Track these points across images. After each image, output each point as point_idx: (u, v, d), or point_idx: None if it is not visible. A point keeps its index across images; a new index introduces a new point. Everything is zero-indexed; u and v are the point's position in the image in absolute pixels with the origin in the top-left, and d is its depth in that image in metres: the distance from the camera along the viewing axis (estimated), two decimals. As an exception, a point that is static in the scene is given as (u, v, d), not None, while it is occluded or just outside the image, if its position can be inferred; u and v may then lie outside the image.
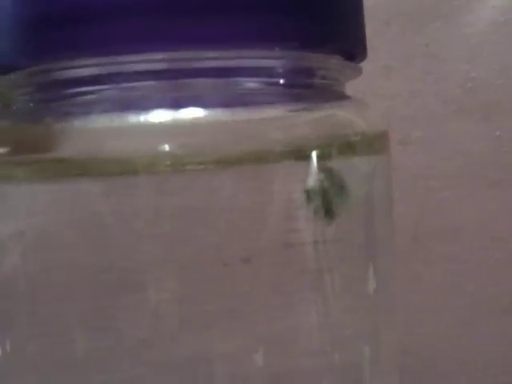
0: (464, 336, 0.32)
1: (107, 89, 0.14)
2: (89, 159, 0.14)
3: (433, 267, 0.32)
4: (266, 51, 0.14)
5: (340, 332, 0.15)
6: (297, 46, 0.14)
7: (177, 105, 0.14)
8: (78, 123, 0.14)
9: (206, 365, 0.14)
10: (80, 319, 0.14)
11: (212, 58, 0.14)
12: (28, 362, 0.15)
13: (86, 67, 0.14)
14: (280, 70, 0.15)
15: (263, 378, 0.15)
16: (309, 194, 0.14)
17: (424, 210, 0.32)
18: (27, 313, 0.15)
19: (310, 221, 0.15)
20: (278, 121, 0.15)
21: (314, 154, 0.15)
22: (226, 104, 0.15)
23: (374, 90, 0.30)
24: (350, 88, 0.17)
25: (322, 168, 0.15)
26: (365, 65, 0.17)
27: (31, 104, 0.15)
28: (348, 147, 0.15)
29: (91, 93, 0.14)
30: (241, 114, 0.15)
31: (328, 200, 0.15)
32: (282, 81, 0.15)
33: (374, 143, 0.16)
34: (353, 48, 0.16)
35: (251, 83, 0.15)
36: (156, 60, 0.14)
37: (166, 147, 0.14)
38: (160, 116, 0.14)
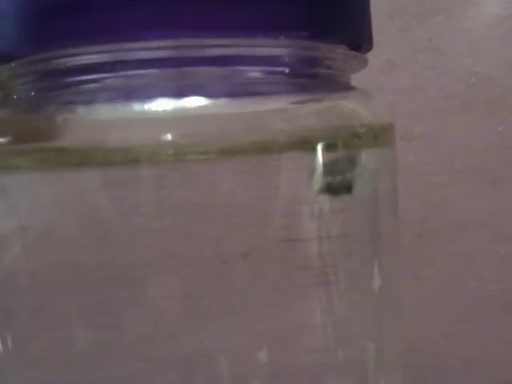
0: (468, 332, 0.32)
1: (110, 77, 0.14)
2: (90, 148, 0.14)
3: (437, 263, 0.32)
4: (271, 40, 0.14)
5: (344, 328, 0.15)
6: (302, 35, 0.14)
7: (180, 94, 0.14)
8: (81, 112, 0.14)
9: (205, 360, 0.14)
10: (80, 314, 0.14)
11: (215, 46, 0.14)
12: (29, 357, 0.15)
13: (89, 55, 0.14)
14: (285, 59, 0.15)
15: (264, 374, 0.15)
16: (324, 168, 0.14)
17: (427, 206, 0.32)
18: (27, 308, 0.15)
19: (315, 216, 0.15)
20: (282, 111, 0.15)
21: (319, 146, 0.14)
22: (230, 93, 0.14)
23: (377, 85, 0.29)
24: (353, 83, 0.17)
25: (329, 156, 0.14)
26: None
27: (32, 93, 0.15)
28: (354, 138, 0.15)
29: (94, 81, 0.14)
30: (245, 104, 0.15)
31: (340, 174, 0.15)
32: (286, 70, 0.15)
33: (380, 135, 0.16)
34: (358, 38, 0.16)
35: (255, 72, 0.15)
36: (159, 48, 0.13)
37: (169, 136, 0.14)
38: (163, 105, 0.14)
